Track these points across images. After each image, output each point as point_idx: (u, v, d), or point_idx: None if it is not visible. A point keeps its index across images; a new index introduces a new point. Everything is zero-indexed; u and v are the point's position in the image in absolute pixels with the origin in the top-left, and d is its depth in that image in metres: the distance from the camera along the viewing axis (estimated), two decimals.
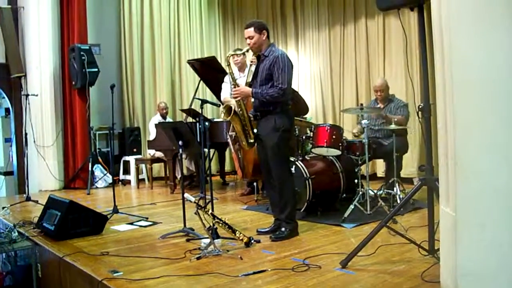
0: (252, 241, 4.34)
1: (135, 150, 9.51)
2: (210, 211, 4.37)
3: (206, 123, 4.98)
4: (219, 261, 3.90)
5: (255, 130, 4.68)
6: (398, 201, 5.54)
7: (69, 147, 8.79)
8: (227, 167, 9.86)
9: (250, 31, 4.59)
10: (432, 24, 2.93)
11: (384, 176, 6.33)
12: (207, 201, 5.06)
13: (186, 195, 4.40)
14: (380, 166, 8.11)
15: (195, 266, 3.78)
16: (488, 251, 2.46)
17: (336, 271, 3.52)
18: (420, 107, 3.63)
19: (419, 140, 7.71)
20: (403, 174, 6.84)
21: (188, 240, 4.58)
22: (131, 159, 9.18)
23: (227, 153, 9.32)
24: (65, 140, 8.81)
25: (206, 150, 5.24)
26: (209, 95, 9.20)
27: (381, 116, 6.15)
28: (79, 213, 4.94)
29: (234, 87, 4.66)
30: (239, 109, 4.63)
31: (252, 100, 4.74)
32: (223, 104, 6.15)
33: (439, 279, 3.00)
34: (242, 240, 4.29)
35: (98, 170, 8.87)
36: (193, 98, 7.74)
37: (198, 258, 3.93)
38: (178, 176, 8.18)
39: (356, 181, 5.68)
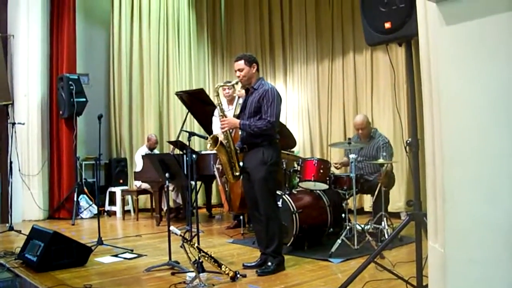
0: (238, 276, 4.28)
1: (121, 181, 9.43)
2: (196, 244, 4.32)
3: (194, 156, 4.96)
4: None
5: (241, 164, 4.67)
6: (386, 236, 5.52)
7: (54, 176, 8.72)
8: (214, 200, 9.79)
9: (240, 63, 4.61)
10: (420, 59, 2.96)
11: (372, 210, 6.30)
12: (193, 234, 5.01)
13: (172, 228, 4.35)
14: (367, 201, 8.10)
15: None
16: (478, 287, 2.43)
17: None
18: (408, 142, 3.64)
19: (407, 175, 7.73)
20: (390, 208, 6.82)
21: (173, 274, 4.50)
22: (117, 190, 9.10)
23: (213, 185, 9.27)
24: (50, 170, 8.73)
25: (193, 182, 5.20)
26: (196, 127, 9.21)
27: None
28: (62, 244, 4.85)
29: (222, 118, 4.66)
30: (225, 141, 4.62)
31: (240, 132, 4.74)
32: (203, 137, 6.13)
33: None
34: (228, 274, 4.22)
35: (84, 201, 8.76)
36: (181, 130, 7.72)
37: None
38: (164, 208, 8.11)
39: (343, 215, 5.66)
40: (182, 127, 7.98)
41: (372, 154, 6.20)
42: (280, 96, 4.61)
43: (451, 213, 2.52)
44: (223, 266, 4.26)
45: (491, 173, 2.38)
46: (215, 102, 4.82)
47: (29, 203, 8.42)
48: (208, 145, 4.68)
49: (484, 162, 2.40)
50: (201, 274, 4.09)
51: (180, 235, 4.17)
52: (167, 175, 5.03)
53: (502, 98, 2.30)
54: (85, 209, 8.70)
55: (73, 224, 7.92)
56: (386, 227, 5.64)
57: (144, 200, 9.51)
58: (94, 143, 6.91)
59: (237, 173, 4.66)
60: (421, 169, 3.64)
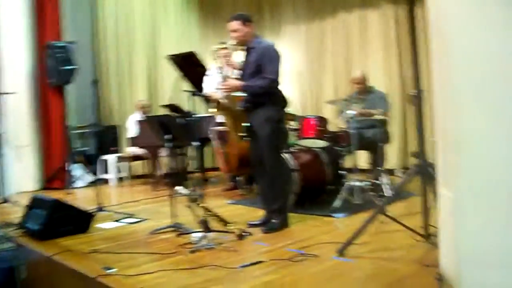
0: (244, 234, 4.31)
1: (113, 148, 9.36)
2: (202, 204, 4.33)
3: (188, 118, 4.92)
4: (214, 254, 3.86)
5: (247, 124, 4.64)
6: (384, 191, 5.57)
7: (46, 146, 8.62)
8: (208, 164, 9.78)
9: (234, 24, 4.54)
10: (427, 8, 2.92)
11: (370, 166, 6.34)
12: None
13: (178, 187, 4.35)
14: (362, 158, 8.13)
15: (190, 260, 3.72)
16: (490, 235, 2.44)
17: (334, 260, 3.52)
18: (412, 93, 3.64)
19: (400, 132, 7.77)
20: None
21: (179, 235, 4.52)
22: (110, 157, 9.04)
23: (207, 149, 9.24)
24: (42, 140, 8.63)
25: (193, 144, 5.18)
26: None
27: (361, 113, 6.14)
28: (64, 211, 4.84)
29: (224, 80, 4.61)
30: (228, 103, 4.60)
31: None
32: (205, 97, 6.08)
33: (437, 263, 2.99)
34: (234, 233, 4.25)
35: (77, 170, 8.72)
36: (184, 90, 7.57)
37: (192, 252, 3.88)
38: (160, 173, 8.10)
39: (342, 172, 5.68)
40: (173, 84, 7.85)
41: (373, 106, 6.19)
42: (278, 53, 4.55)
43: (463, 160, 2.50)
44: (229, 225, 4.28)
45: (504, 118, 2.38)
46: (217, 64, 4.74)
47: (22, 174, 8.32)
48: (212, 109, 4.65)
49: (495, 105, 2.39)
50: (207, 234, 4.11)
51: (188, 195, 4.19)
52: (167, 137, 4.98)
53: None
54: (78, 178, 8.66)
55: (68, 194, 7.88)
56: (385, 181, 5.68)
57: (138, 167, 9.45)
58: (84, 111, 6.81)
59: (243, 133, 4.64)
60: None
